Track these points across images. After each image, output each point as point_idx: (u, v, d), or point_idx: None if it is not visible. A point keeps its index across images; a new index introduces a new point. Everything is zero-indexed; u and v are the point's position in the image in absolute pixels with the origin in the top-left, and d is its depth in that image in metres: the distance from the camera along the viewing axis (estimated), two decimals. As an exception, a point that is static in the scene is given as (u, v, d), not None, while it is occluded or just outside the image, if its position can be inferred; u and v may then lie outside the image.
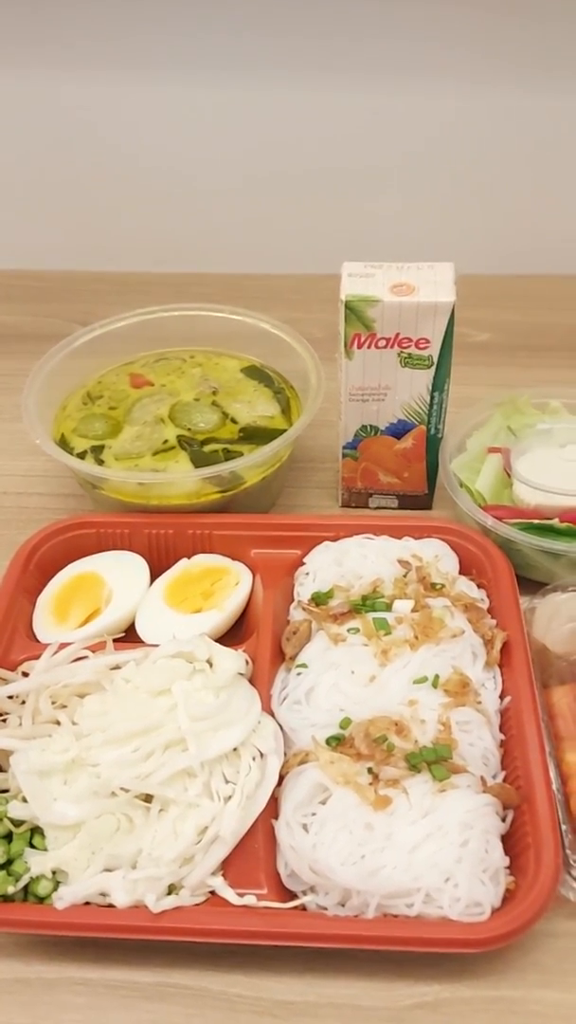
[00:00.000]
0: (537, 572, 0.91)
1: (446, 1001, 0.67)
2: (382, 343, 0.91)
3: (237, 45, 1.22)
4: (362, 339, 0.90)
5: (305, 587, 0.88)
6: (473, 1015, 0.66)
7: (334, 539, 0.91)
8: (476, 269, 1.35)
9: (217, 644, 0.80)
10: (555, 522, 0.90)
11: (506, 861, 0.69)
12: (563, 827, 0.71)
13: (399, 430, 0.97)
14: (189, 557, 0.92)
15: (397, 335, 0.90)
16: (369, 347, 0.91)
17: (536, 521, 0.90)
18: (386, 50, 1.21)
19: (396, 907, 0.66)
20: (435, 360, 0.91)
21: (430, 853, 0.67)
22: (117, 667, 0.78)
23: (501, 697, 0.79)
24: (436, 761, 0.72)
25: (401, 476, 1.01)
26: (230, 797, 0.70)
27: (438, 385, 0.93)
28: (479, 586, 0.88)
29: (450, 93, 1.24)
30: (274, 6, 1.19)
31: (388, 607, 0.84)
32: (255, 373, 1.06)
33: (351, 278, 0.90)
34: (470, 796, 0.70)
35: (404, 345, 0.91)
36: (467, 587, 0.87)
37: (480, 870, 0.67)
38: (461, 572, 0.90)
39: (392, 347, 0.91)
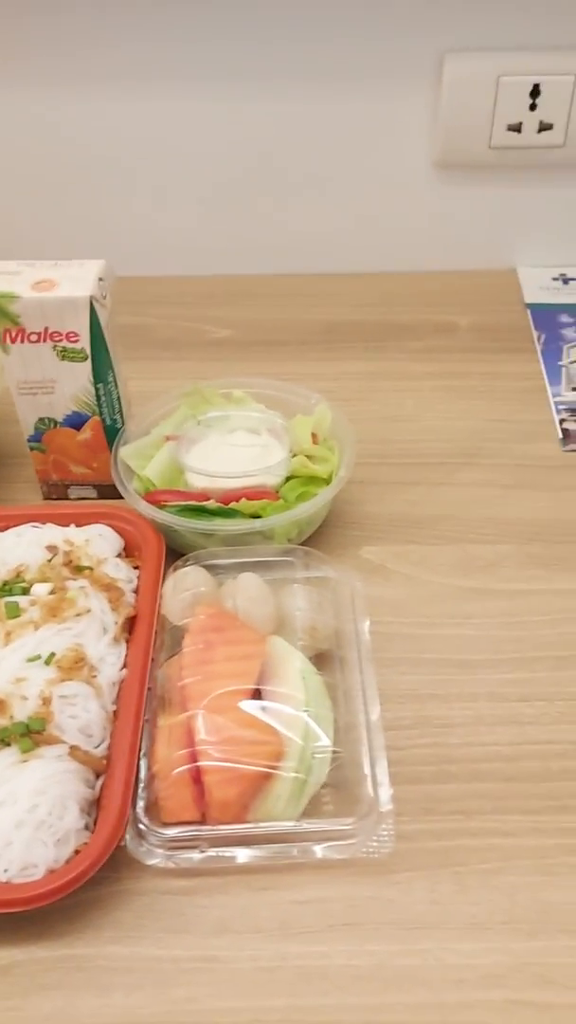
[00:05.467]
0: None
1: (19, 963, 0.69)
2: (34, 337, 0.93)
3: None
4: (13, 334, 0.93)
5: (-45, 577, 0.90)
6: (43, 975, 0.68)
7: (3, 529, 0.94)
8: (224, 270, 1.39)
9: None
10: (209, 503, 0.93)
11: (82, 823, 0.72)
12: (142, 789, 0.74)
13: (76, 421, 1.00)
14: None
15: (46, 329, 0.93)
16: (22, 341, 0.94)
17: (193, 503, 0.93)
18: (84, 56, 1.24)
19: (-41, 875, 0.69)
20: (88, 353, 0.94)
21: (-5, 821, 0.70)
22: None
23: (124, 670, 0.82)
24: (26, 734, 0.74)
25: (91, 466, 1.03)
26: None
27: (100, 377, 0.96)
28: (135, 567, 0.91)
29: (187, 95, 1.27)
30: None
31: (26, 591, 0.86)
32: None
33: (-1, 276, 0.93)
34: (50, 764, 0.73)
35: (55, 339, 0.93)
36: (115, 568, 0.90)
37: (48, 834, 0.70)
38: (128, 555, 0.93)
39: (45, 341, 0.94)
